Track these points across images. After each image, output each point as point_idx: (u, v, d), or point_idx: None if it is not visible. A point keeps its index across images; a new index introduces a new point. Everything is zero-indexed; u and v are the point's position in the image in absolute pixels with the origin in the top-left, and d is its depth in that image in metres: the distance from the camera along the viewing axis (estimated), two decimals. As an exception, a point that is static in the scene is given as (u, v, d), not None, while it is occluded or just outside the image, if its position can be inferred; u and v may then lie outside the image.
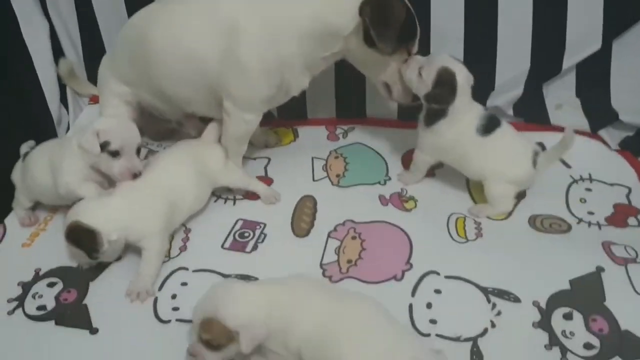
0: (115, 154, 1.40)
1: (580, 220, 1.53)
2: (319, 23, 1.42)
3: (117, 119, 1.50)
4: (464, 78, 1.48)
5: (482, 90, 1.83)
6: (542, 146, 1.72)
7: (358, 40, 1.44)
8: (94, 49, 1.96)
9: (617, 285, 1.31)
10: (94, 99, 2.00)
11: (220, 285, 1.18)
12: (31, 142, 1.66)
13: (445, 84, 1.46)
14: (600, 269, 1.35)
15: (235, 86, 1.49)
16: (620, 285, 1.32)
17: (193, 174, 1.52)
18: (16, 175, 1.59)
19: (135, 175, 1.43)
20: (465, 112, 1.50)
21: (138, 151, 1.45)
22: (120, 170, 1.42)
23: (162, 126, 1.86)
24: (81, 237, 1.34)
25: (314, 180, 1.70)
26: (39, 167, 1.51)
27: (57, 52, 1.93)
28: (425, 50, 1.76)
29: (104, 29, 1.94)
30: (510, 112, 1.83)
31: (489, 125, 1.51)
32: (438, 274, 1.37)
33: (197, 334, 1.12)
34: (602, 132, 1.78)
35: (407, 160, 1.71)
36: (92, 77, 1.95)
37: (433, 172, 1.68)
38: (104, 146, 1.39)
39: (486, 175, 1.53)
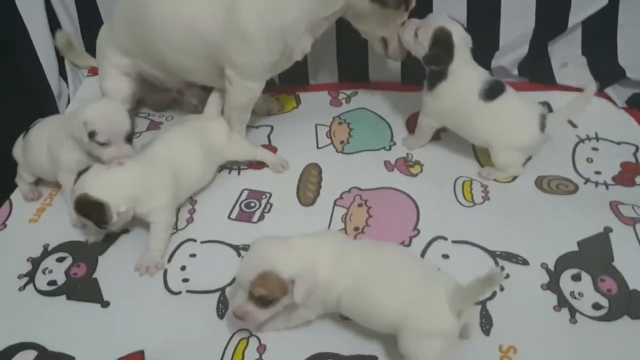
0: (102, 143, 1.40)
1: (587, 181, 1.53)
2: None
3: (105, 105, 1.46)
4: (460, 37, 1.46)
5: (486, 50, 1.82)
6: (548, 106, 1.73)
7: None
8: (90, 20, 1.92)
9: (625, 245, 1.32)
10: (93, 71, 1.97)
11: (263, 242, 1.17)
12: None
13: (441, 44, 1.45)
14: (608, 230, 1.35)
15: (237, 54, 1.46)
16: (629, 246, 1.32)
17: (199, 151, 1.51)
18: (17, 151, 1.58)
19: (121, 163, 1.40)
20: (465, 73, 1.48)
21: (128, 138, 1.44)
22: (108, 158, 1.41)
23: (163, 96, 1.84)
24: (90, 209, 1.33)
25: (318, 147, 1.69)
26: (38, 147, 1.51)
27: (53, 24, 1.90)
28: (427, 9, 1.75)
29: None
30: (515, 72, 1.81)
31: (493, 91, 1.48)
32: (445, 239, 1.37)
33: (248, 293, 1.12)
34: (609, 90, 1.76)
35: (411, 124, 1.70)
36: (90, 49, 1.93)
37: (439, 135, 1.67)
38: (91, 135, 1.38)
39: (491, 143, 1.51)
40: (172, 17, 1.48)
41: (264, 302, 1.11)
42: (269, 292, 1.10)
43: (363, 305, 1.12)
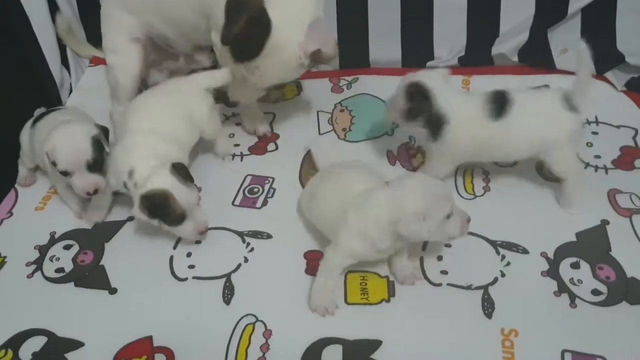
0: (65, 173, 1.36)
1: (587, 165, 1.54)
2: None
3: (64, 133, 1.36)
4: (431, 77, 1.38)
5: (486, 37, 1.83)
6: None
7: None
8: (91, 9, 1.89)
9: (622, 236, 1.34)
10: (95, 61, 1.97)
11: None
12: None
13: (414, 93, 1.36)
14: (605, 222, 1.37)
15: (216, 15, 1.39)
16: (625, 237, 1.35)
17: (183, 122, 1.48)
18: (24, 137, 1.57)
19: (89, 194, 1.37)
20: (461, 104, 1.37)
21: (90, 167, 1.35)
22: (76, 189, 1.38)
23: (170, 64, 1.80)
24: (159, 205, 1.30)
25: (319, 134, 1.70)
26: (41, 143, 1.48)
27: (54, 12, 1.88)
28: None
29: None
30: (515, 58, 1.82)
31: (500, 103, 1.35)
32: (448, 229, 1.39)
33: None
34: (608, 74, 1.77)
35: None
36: (90, 38, 1.92)
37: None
38: (54, 165, 1.34)
39: (538, 151, 1.37)
40: None
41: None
42: None
43: None
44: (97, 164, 1.37)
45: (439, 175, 1.43)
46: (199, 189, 1.53)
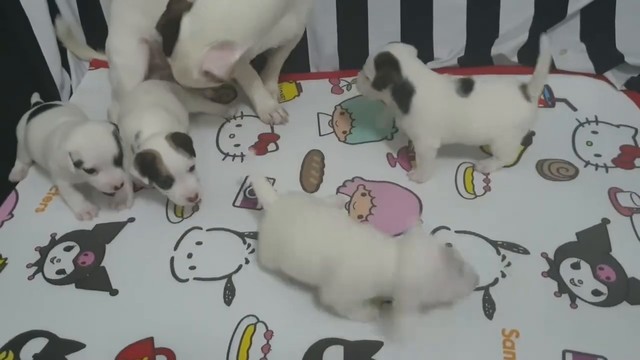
0: (91, 171, 1.37)
1: (587, 164, 1.55)
2: None
3: (88, 132, 1.39)
4: (400, 49, 1.43)
5: (486, 38, 1.83)
6: (548, 89, 1.76)
7: None
8: (91, 12, 1.92)
9: (622, 236, 1.35)
10: (95, 63, 1.98)
11: None
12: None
13: (383, 62, 1.41)
14: (605, 221, 1.38)
15: None
16: (626, 236, 1.35)
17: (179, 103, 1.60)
18: (20, 132, 1.58)
19: (117, 188, 1.41)
20: (430, 78, 1.43)
21: (116, 162, 1.39)
22: (100, 185, 1.41)
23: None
24: (147, 164, 1.38)
25: (320, 135, 1.71)
26: (35, 141, 1.51)
27: (54, 15, 1.89)
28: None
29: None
30: (515, 59, 1.83)
31: (466, 85, 1.44)
32: (448, 229, 1.39)
33: None
34: (608, 74, 1.78)
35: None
36: (90, 40, 1.93)
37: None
38: (78, 164, 1.36)
39: (493, 133, 1.46)
40: None
41: None
42: None
43: None
44: (120, 158, 1.41)
45: (427, 166, 1.51)
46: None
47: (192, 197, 1.41)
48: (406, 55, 1.42)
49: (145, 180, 1.39)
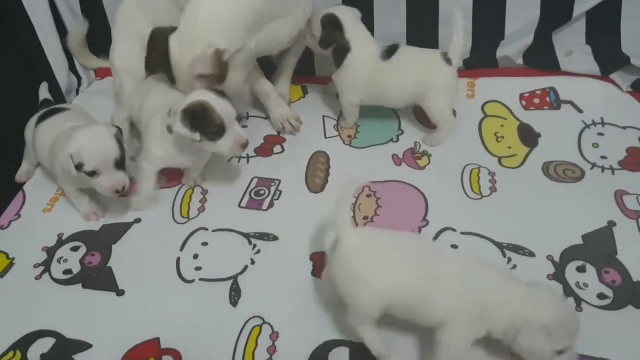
0: (92, 173, 1.36)
1: (593, 165, 1.55)
2: None
3: (90, 134, 1.38)
4: (346, 14, 1.59)
5: (491, 39, 1.83)
6: (554, 91, 1.76)
7: None
8: (96, 20, 1.92)
9: (628, 239, 1.34)
10: (100, 73, 1.99)
11: None
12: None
13: (328, 24, 1.58)
14: (611, 224, 1.37)
15: None
16: (632, 239, 1.34)
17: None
18: (28, 134, 1.58)
19: (118, 191, 1.39)
20: (364, 41, 1.60)
21: (117, 164, 1.38)
22: (102, 189, 1.39)
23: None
24: (199, 115, 1.36)
25: (325, 137, 1.71)
26: (43, 145, 1.50)
27: (58, 22, 1.91)
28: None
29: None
30: (520, 60, 1.82)
31: (390, 50, 1.59)
32: (454, 230, 1.39)
33: None
34: (614, 76, 1.78)
35: (418, 110, 1.70)
36: (94, 49, 1.94)
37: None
38: (79, 167, 1.34)
39: (415, 95, 1.60)
40: None
41: None
42: None
43: None
44: (123, 161, 1.39)
45: (348, 117, 1.70)
46: (205, 191, 1.56)
47: (244, 144, 1.40)
48: (349, 19, 1.59)
49: (197, 137, 1.35)
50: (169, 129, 1.40)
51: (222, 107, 1.36)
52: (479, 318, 1.06)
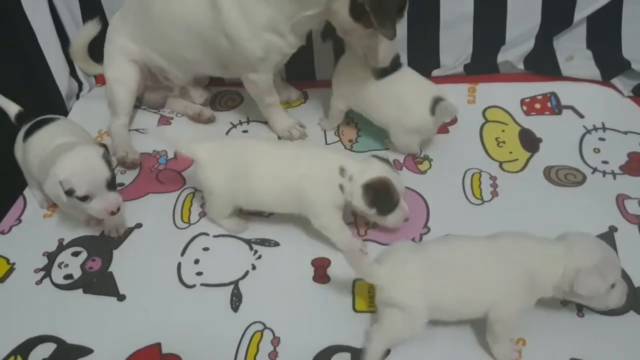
0: (84, 198, 1.31)
1: (594, 170, 1.55)
2: None
3: (77, 158, 1.30)
4: None
5: (492, 45, 1.83)
6: (555, 97, 1.75)
7: (344, 9, 1.37)
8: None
9: (629, 244, 1.34)
10: (101, 80, 1.98)
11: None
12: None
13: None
14: (613, 229, 1.37)
15: (228, 50, 1.51)
16: (633, 245, 1.35)
17: None
18: (18, 153, 1.51)
19: (113, 213, 1.35)
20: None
21: (109, 185, 1.33)
22: (96, 212, 1.34)
23: (160, 94, 1.87)
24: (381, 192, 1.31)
25: (326, 143, 1.71)
26: (31, 162, 1.43)
27: (59, 27, 1.92)
28: (435, 7, 1.77)
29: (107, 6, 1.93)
30: (521, 66, 1.83)
31: (390, 68, 1.51)
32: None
33: None
34: (615, 81, 1.78)
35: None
36: (94, 55, 1.92)
37: (447, 129, 1.69)
38: (70, 193, 1.29)
39: (388, 124, 1.57)
40: (169, 15, 1.55)
41: None
42: None
43: None
44: (114, 181, 1.36)
45: (331, 119, 1.72)
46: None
47: (407, 218, 1.38)
48: None
49: (373, 212, 1.31)
50: (341, 188, 1.32)
51: (397, 182, 1.32)
52: (530, 288, 1.11)
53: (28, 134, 1.47)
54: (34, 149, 1.43)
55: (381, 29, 1.33)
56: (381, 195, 1.30)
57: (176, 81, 1.78)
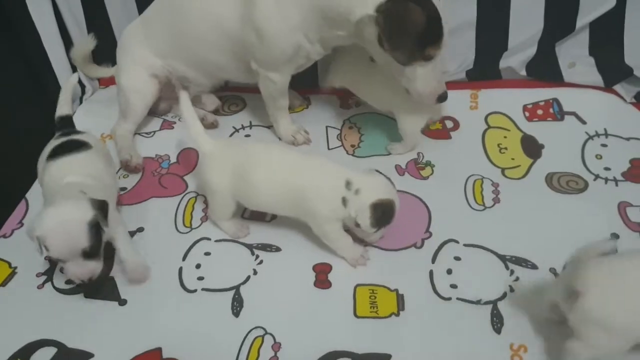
0: (57, 259, 1.25)
1: (597, 177, 1.54)
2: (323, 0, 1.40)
3: (58, 219, 1.23)
4: None
5: (495, 51, 1.83)
6: (557, 103, 1.75)
7: (371, 35, 1.36)
8: (100, 31, 1.93)
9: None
10: (104, 82, 1.99)
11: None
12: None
13: None
14: (615, 236, 1.37)
15: (255, 48, 1.54)
16: (634, 252, 1.34)
17: None
18: (40, 165, 1.47)
19: (83, 282, 1.27)
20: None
21: (87, 254, 1.24)
22: (69, 275, 1.27)
23: (171, 102, 1.88)
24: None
25: (329, 149, 1.71)
26: (47, 187, 1.40)
27: (63, 30, 1.93)
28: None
29: (111, 10, 1.94)
30: (523, 72, 1.82)
31: None
32: (457, 242, 1.39)
33: None
34: (617, 87, 1.77)
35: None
36: (98, 59, 1.95)
37: (449, 134, 1.69)
38: (47, 249, 1.23)
39: (397, 108, 1.60)
40: (202, 15, 1.58)
41: None
42: None
43: None
44: (94, 251, 1.26)
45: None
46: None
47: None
48: None
49: (374, 231, 1.31)
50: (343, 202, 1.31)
51: (397, 202, 1.32)
52: None
53: (52, 155, 1.43)
54: (50, 176, 1.39)
55: (392, 51, 1.33)
56: (387, 217, 1.31)
57: (198, 89, 1.80)
